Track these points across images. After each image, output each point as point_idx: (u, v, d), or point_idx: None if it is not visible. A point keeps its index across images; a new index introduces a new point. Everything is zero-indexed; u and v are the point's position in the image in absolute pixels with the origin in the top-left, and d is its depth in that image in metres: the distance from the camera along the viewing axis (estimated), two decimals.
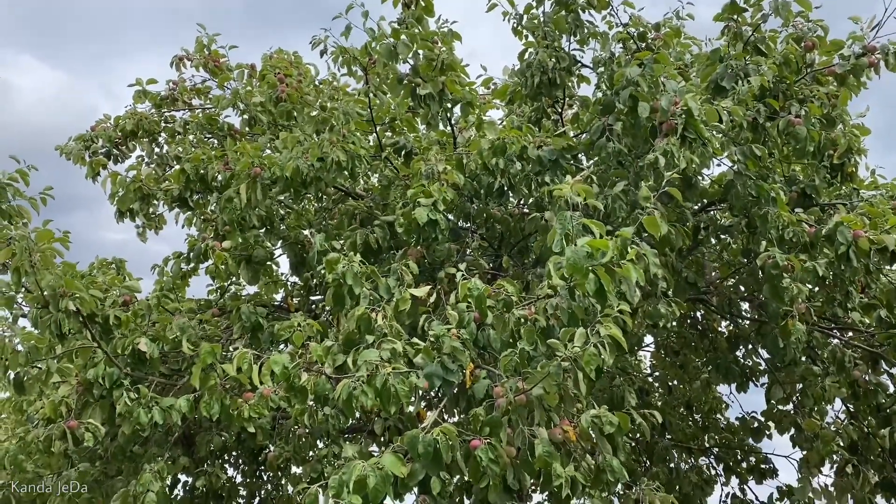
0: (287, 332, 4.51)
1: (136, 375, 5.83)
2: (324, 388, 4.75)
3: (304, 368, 4.35)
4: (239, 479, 9.26)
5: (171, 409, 5.34)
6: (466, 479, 4.67)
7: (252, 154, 6.26)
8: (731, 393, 9.21)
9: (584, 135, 6.35)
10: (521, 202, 6.89)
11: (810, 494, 7.41)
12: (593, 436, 4.63)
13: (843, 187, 6.68)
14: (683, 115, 5.05)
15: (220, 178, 6.67)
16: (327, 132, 6.11)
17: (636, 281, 4.09)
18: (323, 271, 5.32)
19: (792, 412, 7.84)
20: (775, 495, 8.66)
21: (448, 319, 5.02)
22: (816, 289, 7.08)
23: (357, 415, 4.23)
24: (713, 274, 7.95)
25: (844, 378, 6.48)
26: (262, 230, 6.86)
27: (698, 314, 8.33)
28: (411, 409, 5.62)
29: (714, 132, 5.87)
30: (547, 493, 4.36)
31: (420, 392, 4.59)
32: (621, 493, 4.81)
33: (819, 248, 5.75)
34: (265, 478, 9.88)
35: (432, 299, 5.61)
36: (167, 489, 8.91)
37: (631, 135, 5.45)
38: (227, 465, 9.41)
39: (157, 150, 7.98)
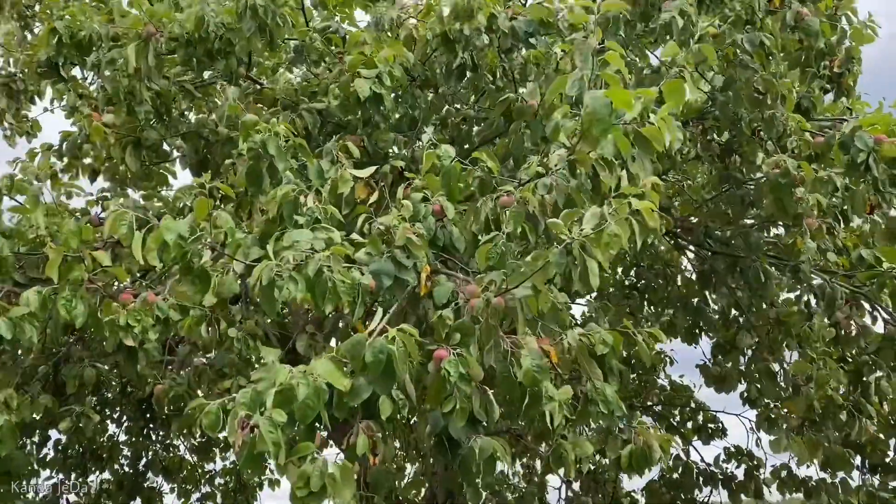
0: (185, 198, 3.28)
1: None
2: (232, 287, 3.57)
3: (207, 246, 3.14)
4: (123, 437, 8.16)
5: (24, 320, 3.96)
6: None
7: (144, 9, 4.89)
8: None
9: None
10: (479, 98, 5.76)
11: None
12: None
13: (838, 104, 5.95)
14: None
15: (103, 45, 5.25)
16: None
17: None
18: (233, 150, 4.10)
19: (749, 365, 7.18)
20: (722, 456, 8.10)
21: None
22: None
23: (279, 312, 3.08)
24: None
25: (830, 318, 5.79)
26: (154, 116, 5.48)
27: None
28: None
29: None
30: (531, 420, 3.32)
31: (362, 294, 3.44)
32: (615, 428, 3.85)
33: (826, 160, 4.99)
34: (154, 437, 8.62)
35: (374, 198, 4.48)
36: (35, 447, 7.56)
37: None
38: (108, 422, 8.12)
39: None
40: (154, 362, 5.11)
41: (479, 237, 3.74)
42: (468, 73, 4.83)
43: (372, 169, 4.12)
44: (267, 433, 2.56)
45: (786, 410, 6.01)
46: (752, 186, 6.36)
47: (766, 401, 7.40)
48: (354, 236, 3.83)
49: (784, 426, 6.01)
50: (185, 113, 6.23)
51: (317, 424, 2.97)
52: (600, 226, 2.94)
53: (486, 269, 3.36)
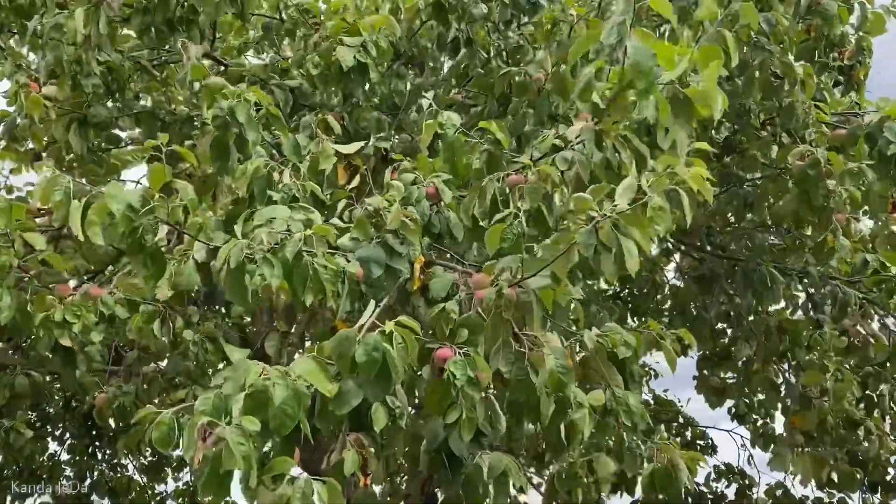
0: (137, 159, 2.72)
1: None
2: (191, 278, 3.01)
3: (162, 222, 2.57)
4: (65, 456, 7.52)
5: None
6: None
7: None
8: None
9: None
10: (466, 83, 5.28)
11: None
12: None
13: (844, 98, 5.61)
14: None
15: (47, 11, 4.65)
16: None
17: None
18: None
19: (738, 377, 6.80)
20: (712, 475, 7.70)
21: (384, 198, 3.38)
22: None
23: (250, 301, 2.53)
24: None
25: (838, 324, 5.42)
26: (105, 94, 4.88)
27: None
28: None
29: None
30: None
31: (349, 284, 2.91)
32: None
33: (845, 153, 4.63)
34: (99, 455, 7.93)
35: (356, 182, 3.96)
36: None
37: None
38: (49, 439, 7.42)
39: None
40: (97, 369, 4.50)
41: (481, 223, 3.24)
42: (462, 48, 4.36)
43: (358, 144, 3.61)
44: (236, 445, 2.01)
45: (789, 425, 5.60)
46: (750, 188, 6.01)
47: (753, 416, 7.06)
48: (336, 221, 3.31)
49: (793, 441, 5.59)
50: (140, 96, 5.63)
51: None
52: (639, 199, 2.47)
53: (495, 254, 2.85)
